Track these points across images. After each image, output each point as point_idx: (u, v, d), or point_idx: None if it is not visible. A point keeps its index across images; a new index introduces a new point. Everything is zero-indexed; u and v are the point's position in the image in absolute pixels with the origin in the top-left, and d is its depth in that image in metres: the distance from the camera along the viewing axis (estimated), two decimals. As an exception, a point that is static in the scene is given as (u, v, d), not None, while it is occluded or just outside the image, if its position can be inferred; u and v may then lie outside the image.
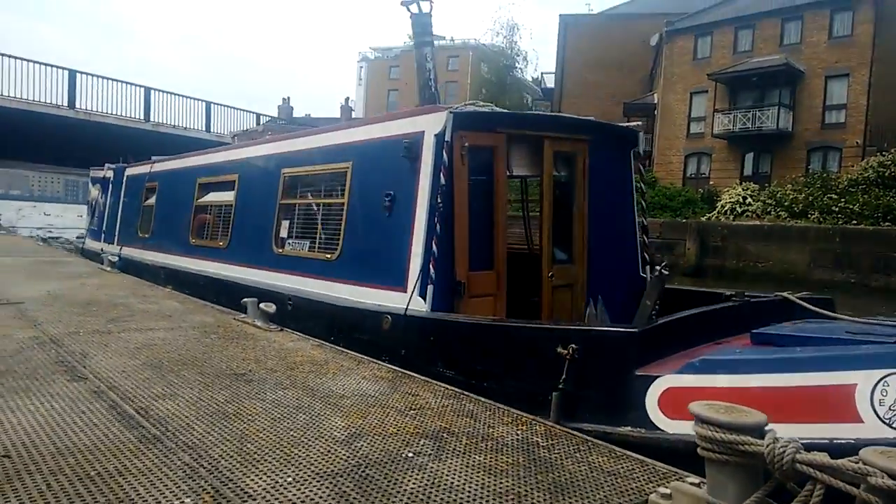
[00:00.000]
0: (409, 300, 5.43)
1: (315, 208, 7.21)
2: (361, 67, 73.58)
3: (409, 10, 7.00)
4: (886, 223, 21.16)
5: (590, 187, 6.57)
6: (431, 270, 5.39)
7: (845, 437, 3.19)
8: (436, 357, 5.11)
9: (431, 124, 5.64)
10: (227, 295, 7.62)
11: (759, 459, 2.38)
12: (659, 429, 3.76)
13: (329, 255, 6.70)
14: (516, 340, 4.75)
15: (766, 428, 2.48)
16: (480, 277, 5.75)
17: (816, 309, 5.09)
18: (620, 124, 7.70)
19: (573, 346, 4.17)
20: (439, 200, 5.43)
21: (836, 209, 22.45)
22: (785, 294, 5.32)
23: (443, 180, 5.45)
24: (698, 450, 2.57)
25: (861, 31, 27.87)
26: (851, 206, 22.18)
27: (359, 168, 6.53)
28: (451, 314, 5.41)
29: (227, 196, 9.15)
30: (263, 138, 9.41)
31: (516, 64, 49.07)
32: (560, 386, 4.15)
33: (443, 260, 5.45)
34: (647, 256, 7.09)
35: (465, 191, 5.66)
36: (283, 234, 7.59)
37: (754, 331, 4.40)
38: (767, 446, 2.34)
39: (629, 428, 3.88)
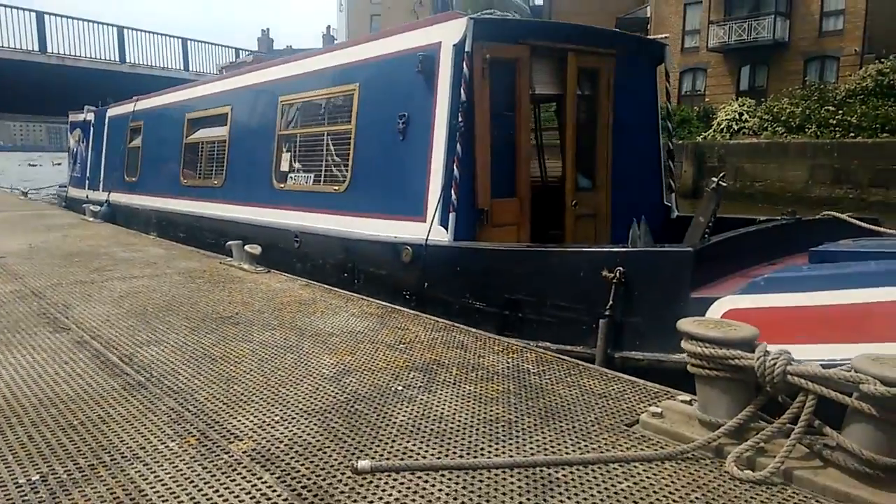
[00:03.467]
0: (429, 229, 5.07)
1: (319, 137, 6.71)
2: (341, -8, 71.00)
3: None
4: (885, 134, 20.85)
5: (614, 107, 6.08)
6: (453, 197, 5.01)
7: None
8: (463, 288, 4.80)
9: (449, 34, 5.14)
10: (225, 236, 7.34)
11: (749, 373, 2.33)
12: None
13: (337, 187, 6.31)
14: (555, 266, 4.39)
15: (757, 342, 2.41)
16: (503, 205, 5.38)
17: (867, 226, 4.76)
18: (648, 37, 7.10)
19: (620, 268, 3.87)
20: (460, 119, 4.98)
21: (834, 122, 22.08)
22: (833, 213, 4.99)
23: (463, 96, 5.00)
24: (688, 367, 2.52)
25: (860, -70, 26.76)
26: (849, 118, 21.80)
27: (367, 89, 6.03)
28: (478, 242, 5.09)
29: (220, 131, 8.72)
30: (255, 65, 8.88)
31: (503, -21, 47.50)
32: (606, 313, 3.87)
33: (464, 186, 5.06)
34: (671, 183, 6.70)
35: (487, 109, 5.20)
36: (285, 167, 7.17)
37: (812, 249, 4.05)
38: (758, 359, 2.29)
39: (685, 355, 3.71)
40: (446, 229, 5.03)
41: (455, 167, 5.02)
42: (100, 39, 25.55)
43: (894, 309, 3.04)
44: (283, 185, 7.16)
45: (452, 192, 5.03)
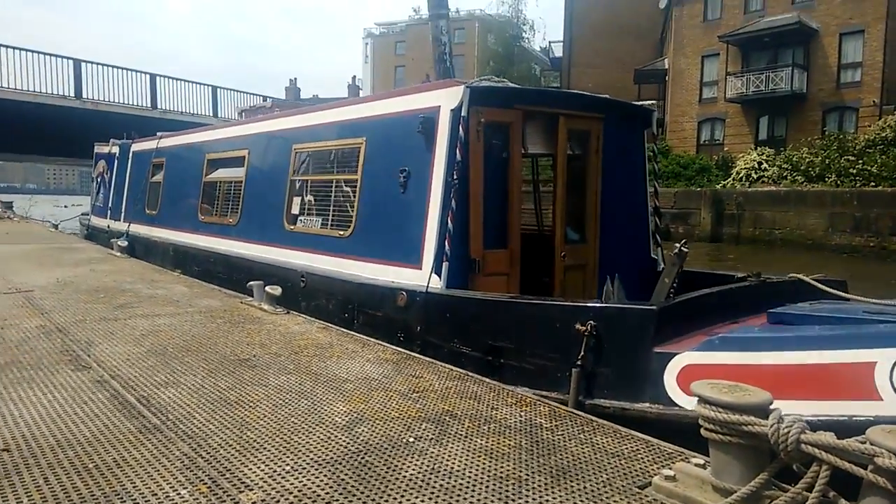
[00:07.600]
0: (426, 277, 5.39)
1: (327, 184, 7.09)
2: (367, 44, 72.93)
3: None
4: (905, 184, 20.81)
5: (603, 166, 6.47)
6: (447, 247, 5.34)
7: (864, 415, 3.22)
8: (452, 334, 5.11)
9: (447, 99, 5.54)
10: (238, 272, 7.63)
11: (763, 440, 2.31)
12: (677, 405, 3.78)
13: (342, 232, 6.62)
14: (534, 317, 4.74)
15: (771, 407, 2.40)
16: (495, 256, 5.72)
17: (830, 290, 5.08)
18: (635, 103, 7.60)
19: (591, 322, 4.18)
20: (454, 177, 5.36)
21: (854, 171, 22.11)
22: (799, 276, 5.31)
23: (458, 156, 5.36)
24: (701, 431, 2.51)
25: (876, -15, 27.09)
26: (869, 168, 21.83)
27: (373, 144, 6.42)
28: (468, 291, 5.39)
29: (238, 172, 9.05)
30: (273, 113, 9.22)
31: (523, 34, 48.41)
32: (578, 363, 4.16)
33: (458, 237, 5.41)
34: (658, 239, 7.06)
35: (481, 168, 5.57)
36: (295, 210, 7.50)
37: (770, 310, 4.39)
38: (772, 426, 2.27)
39: (647, 404, 3.89)
40: (440, 277, 5.34)
41: (449, 220, 5.35)
42: (133, 86, 26.41)
43: (819, 370, 3.44)
44: (293, 227, 7.46)
45: (446, 242, 5.34)
